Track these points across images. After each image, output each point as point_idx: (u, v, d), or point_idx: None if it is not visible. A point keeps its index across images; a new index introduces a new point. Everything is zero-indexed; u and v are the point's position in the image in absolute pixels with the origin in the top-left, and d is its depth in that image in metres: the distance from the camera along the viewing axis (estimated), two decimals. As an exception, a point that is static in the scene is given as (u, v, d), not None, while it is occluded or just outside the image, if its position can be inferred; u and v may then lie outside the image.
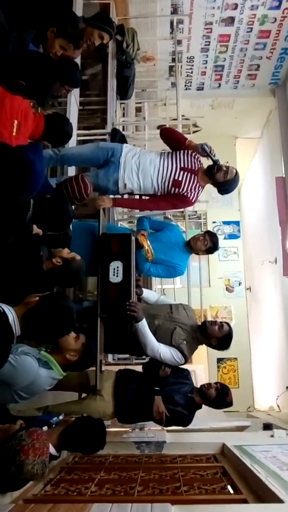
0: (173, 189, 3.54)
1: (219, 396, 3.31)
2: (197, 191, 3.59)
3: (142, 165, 3.55)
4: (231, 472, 3.02)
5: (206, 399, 3.33)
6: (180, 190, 3.53)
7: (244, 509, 2.24)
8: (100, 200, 3.56)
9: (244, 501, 2.42)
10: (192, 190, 3.55)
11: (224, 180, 3.52)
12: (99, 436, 2.35)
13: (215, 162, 3.49)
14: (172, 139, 3.63)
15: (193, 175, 3.52)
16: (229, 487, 2.75)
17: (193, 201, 3.68)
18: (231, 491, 2.69)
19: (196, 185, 3.55)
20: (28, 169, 1.89)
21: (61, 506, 2.15)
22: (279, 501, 2.14)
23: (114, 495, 2.60)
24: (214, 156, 3.47)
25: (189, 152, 3.57)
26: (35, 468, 1.85)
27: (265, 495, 2.36)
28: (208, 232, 3.83)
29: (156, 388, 3.25)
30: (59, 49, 2.82)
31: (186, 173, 3.51)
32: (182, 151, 3.57)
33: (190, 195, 3.57)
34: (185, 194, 3.55)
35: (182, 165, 3.52)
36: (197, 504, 2.33)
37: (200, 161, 3.60)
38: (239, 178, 3.62)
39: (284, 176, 7.96)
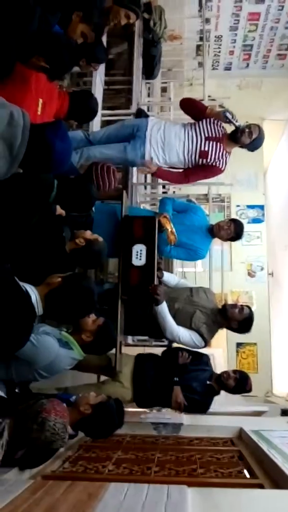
0: (200, 160, 3.58)
1: (238, 386, 3.32)
2: (225, 158, 3.62)
3: (167, 139, 3.58)
4: (248, 457, 3.02)
5: (225, 388, 3.34)
6: (208, 161, 3.57)
7: (260, 494, 2.24)
8: (148, 167, 3.59)
9: (260, 486, 2.42)
10: (220, 158, 3.58)
11: (250, 141, 3.51)
12: (117, 415, 2.38)
13: (238, 127, 3.48)
14: (193, 109, 3.67)
15: (218, 143, 3.54)
16: (245, 471, 2.76)
17: (222, 169, 3.70)
18: (247, 475, 2.70)
19: (223, 152, 3.57)
20: (48, 148, 1.88)
21: (79, 484, 2.18)
22: (296, 487, 2.14)
23: (131, 474, 2.64)
24: (236, 121, 3.48)
25: (212, 120, 3.59)
26: (56, 426, 1.90)
27: (281, 480, 2.36)
28: (233, 220, 3.78)
29: (176, 378, 3.26)
30: (80, 36, 2.75)
31: (211, 142, 3.53)
32: (204, 121, 3.58)
33: (219, 163, 3.60)
34: (214, 163, 3.57)
35: (206, 135, 3.54)
36: (213, 487, 2.34)
37: (223, 127, 3.61)
38: (263, 133, 3.62)
39: (311, 160, 7.79)
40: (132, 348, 5.05)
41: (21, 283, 2.03)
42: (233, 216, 10.58)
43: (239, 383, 3.31)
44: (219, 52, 7.98)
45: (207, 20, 7.11)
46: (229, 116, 3.48)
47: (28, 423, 1.92)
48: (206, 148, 3.55)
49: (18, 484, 2.07)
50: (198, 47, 7.65)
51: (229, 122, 3.51)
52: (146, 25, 5.54)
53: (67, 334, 2.57)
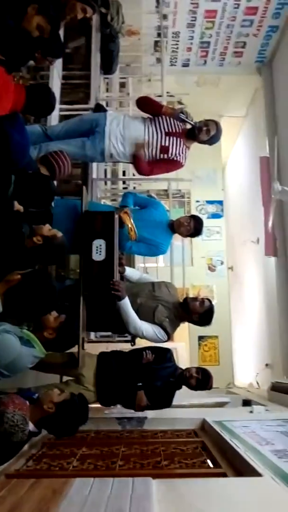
0: (161, 155, 3.60)
1: (200, 384, 3.37)
2: (184, 153, 3.68)
3: (127, 134, 3.59)
4: (211, 447, 3.08)
5: (186, 385, 3.39)
6: (169, 155, 3.60)
7: (223, 483, 2.29)
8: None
9: (223, 475, 2.47)
10: (180, 153, 3.63)
11: (208, 138, 3.56)
12: (81, 411, 2.36)
13: (194, 125, 3.53)
14: (149, 107, 3.70)
15: (178, 138, 3.59)
16: (208, 461, 2.81)
17: (183, 163, 3.74)
18: (211, 465, 2.75)
19: (182, 147, 3.63)
20: (6, 140, 1.84)
21: (43, 481, 2.17)
22: (258, 474, 2.19)
23: (96, 469, 2.64)
24: (191, 120, 3.53)
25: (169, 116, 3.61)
26: (15, 418, 1.88)
27: (244, 469, 2.42)
28: (193, 217, 3.80)
29: (139, 384, 3.28)
30: (35, 29, 2.70)
31: (171, 137, 3.57)
32: (163, 116, 3.60)
33: (179, 158, 3.65)
34: (174, 158, 3.59)
35: (166, 130, 3.58)
36: (178, 478, 2.37)
37: (181, 123, 3.64)
38: (221, 128, 3.67)
39: (268, 155, 7.95)
40: (95, 344, 5.03)
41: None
42: (193, 211, 10.71)
43: (200, 382, 3.36)
44: (177, 48, 8.00)
45: (165, 16, 7.13)
46: (183, 117, 3.53)
47: None
48: (167, 143, 3.58)
49: (-20, 484, 2.04)
50: (156, 43, 7.65)
51: (184, 121, 3.56)
52: (104, 20, 5.50)
53: (29, 332, 2.53)
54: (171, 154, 3.61)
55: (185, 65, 8.39)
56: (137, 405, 3.31)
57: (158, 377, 3.32)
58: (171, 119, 3.61)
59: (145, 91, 7.79)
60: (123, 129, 3.61)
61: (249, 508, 1.78)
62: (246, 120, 9.92)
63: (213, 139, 3.65)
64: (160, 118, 3.62)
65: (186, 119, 3.54)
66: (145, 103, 3.75)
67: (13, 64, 2.20)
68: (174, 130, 3.59)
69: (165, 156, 3.62)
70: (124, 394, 3.31)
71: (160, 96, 6.10)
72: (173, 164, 3.75)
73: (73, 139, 3.63)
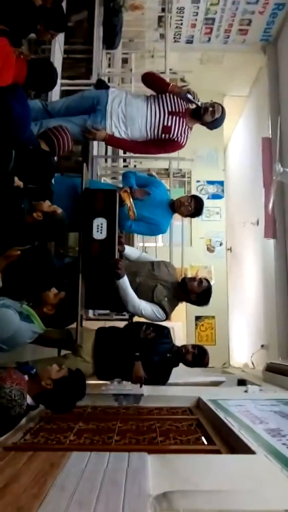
0: (163, 135, 3.54)
1: (196, 360, 3.40)
2: (186, 133, 3.62)
3: (129, 113, 3.51)
4: (206, 425, 3.12)
5: (183, 361, 3.42)
6: (171, 136, 3.55)
7: (217, 459, 2.33)
8: (94, 133, 3.51)
9: (217, 452, 2.52)
10: (182, 133, 3.57)
11: (212, 120, 3.52)
12: (78, 387, 2.39)
13: (200, 106, 3.47)
14: (155, 84, 3.60)
15: (181, 118, 3.52)
16: (203, 438, 2.86)
17: (183, 144, 3.69)
18: (205, 442, 2.80)
19: (185, 128, 3.56)
20: (7, 110, 1.82)
21: (40, 454, 2.21)
22: (251, 452, 2.23)
23: (92, 444, 2.68)
24: (198, 101, 3.46)
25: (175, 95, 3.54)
26: (12, 392, 1.89)
27: (237, 446, 2.46)
28: (194, 197, 3.78)
29: (136, 354, 3.31)
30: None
31: (174, 117, 3.50)
32: (168, 94, 3.53)
33: (180, 139, 3.60)
34: (176, 139, 3.55)
35: (170, 109, 3.50)
36: (173, 453, 2.41)
37: (186, 102, 3.58)
38: (225, 112, 3.62)
39: (270, 136, 7.89)
40: (93, 322, 5.07)
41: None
42: (193, 191, 10.66)
43: (196, 357, 3.40)
44: (181, 24, 7.86)
45: (169, -9, 7.00)
46: (191, 97, 3.44)
47: None
48: (169, 123, 3.52)
49: (-22, 456, 2.08)
50: (160, 18, 7.51)
51: (191, 102, 3.48)
52: (107, -7, 5.39)
53: (28, 307, 2.55)
54: (173, 135, 3.55)
55: (189, 41, 8.25)
56: (134, 376, 3.31)
57: (156, 352, 3.36)
58: (175, 98, 3.54)
59: (148, 67, 7.68)
60: (125, 107, 3.54)
61: (243, 484, 1.82)
62: (249, 100, 9.80)
63: (216, 123, 3.59)
64: (164, 96, 3.54)
65: (193, 100, 3.46)
66: (151, 80, 3.65)
67: (16, 35, 2.16)
68: (177, 110, 3.52)
69: (167, 136, 3.57)
70: (122, 365, 3.33)
71: (163, 72, 6.01)
72: (173, 145, 3.70)
73: (74, 117, 3.57)
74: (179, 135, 3.57)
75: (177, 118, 3.52)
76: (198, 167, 10.50)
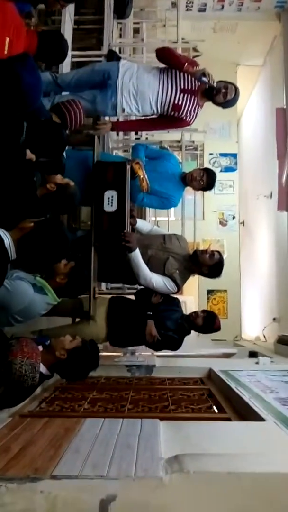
0: (172, 112, 3.49)
1: (206, 324, 3.42)
2: (196, 112, 3.55)
3: (140, 89, 3.44)
4: (217, 394, 3.19)
5: (194, 326, 3.44)
6: (180, 114, 3.49)
7: (227, 426, 2.39)
8: (102, 127, 3.49)
9: (228, 420, 2.58)
10: (192, 112, 3.51)
11: (224, 101, 3.46)
12: (92, 357, 2.43)
13: (213, 87, 3.39)
14: (170, 61, 3.46)
15: (193, 97, 3.44)
16: (214, 407, 2.92)
17: (191, 122, 3.64)
18: (216, 411, 2.86)
19: (195, 106, 3.50)
20: (17, 79, 1.81)
21: (55, 420, 2.28)
22: (261, 419, 2.28)
23: (106, 412, 2.76)
24: (213, 83, 3.37)
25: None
26: (23, 368, 1.91)
27: (248, 414, 2.52)
28: (206, 171, 3.75)
29: (149, 313, 3.35)
30: None
31: (186, 95, 3.43)
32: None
33: (189, 117, 3.54)
34: (184, 117, 3.50)
35: (182, 86, 3.42)
36: (184, 420, 2.48)
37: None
38: (239, 93, 3.55)
39: (284, 107, 7.73)
40: (105, 296, 5.12)
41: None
42: (206, 164, 10.54)
43: (207, 320, 3.42)
44: (194, -9, 7.67)
45: None
46: (205, 80, 3.31)
47: None
48: (180, 102, 3.43)
49: (-4, 422, 2.15)
50: (172, -14, 7.34)
51: (205, 84, 3.38)
52: None
53: (42, 279, 2.59)
54: (182, 113, 3.48)
55: (202, 10, 8.04)
56: (147, 334, 3.31)
57: (167, 317, 3.39)
58: (189, 76, 3.41)
59: (159, 37, 7.54)
60: (137, 82, 3.45)
61: (252, 448, 1.88)
62: (264, 70, 9.58)
63: (228, 103, 3.51)
64: (177, 73, 3.43)
65: (208, 82, 3.35)
66: (166, 57, 3.48)
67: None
68: (190, 87, 3.42)
69: (176, 114, 3.49)
70: (135, 327, 3.35)
71: (175, 42, 5.89)
72: (180, 122, 3.63)
73: (84, 93, 3.50)
74: (188, 113, 3.50)
75: (189, 96, 3.43)
76: (211, 139, 10.35)
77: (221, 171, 10.73)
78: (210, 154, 11.00)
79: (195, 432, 2.14)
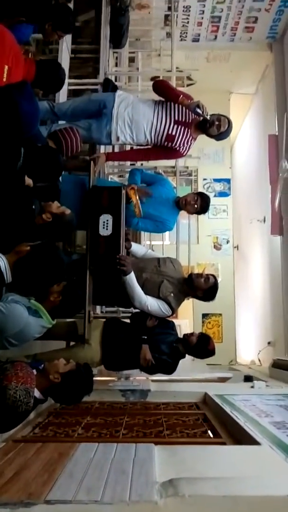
0: (166, 143, 3.54)
1: (200, 343, 3.38)
2: (189, 144, 3.60)
3: (135, 118, 3.50)
4: (212, 419, 3.17)
5: (188, 346, 3.41)
6: (173, 145, 3.54)
7: (222, 450, 2.38)
8: (96, 159, 3.56)
9: (223, 444, 2.56)
10: (185, 144, 3.56)
11: (217, 133, 3.53)
12: (86, 380, 2.42)
13: (207, 119, 3.46)
14: (166, 94, 3.55)
15: (186, 128, 3.50)
16: (209, 431, 2.90)
17: (184, 154, 3.69)
18: (211, 435, 2.84)
19: (189, 138, 3.55)
20: (15, 107, 1.86)
21: (49, 445, 2.26)
22: (256, 443, 2.27)
23: (100, 437, 2.73)
24: (207, 115, 3.45)
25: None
26: (17, 393, 1.88)
27: (243, 438, 2.50)
28: (200, 195, 3.80)
29: (144, 336, 3.34)
30: None
31: (179, 126, 3.49)
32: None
33: (182, 148, 3.59)
34: (177, 148, 3.55)
35: (176, 118, 3.49)
36: (179, 445, 2.46)
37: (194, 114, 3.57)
38: (232, 126, 3.60)
39: (277, 134, 7.89)
40: (100, 320, 5.11)
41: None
42: (200, 189, 10.68)
43: (201, 340, 3.38)
44: (187, 23, 7.89)
45: (176, -10, 7.02)
46: (199, 112, 3.39)
47: None
48: (174, 132, 3.50)
49: (-11, 447, 2.13)
50: (166, 17, 7.54)
51: (199, 115, 3.45)
52: (114, -7, 5.43)
53: (36, 302, 2.60)
54: (176, 144, 3.53)
55: (195, 40, 8.28)
56: (141, 359, 3.29)
57: (162, 341, 3.37)
58: (183, 108, 3.49)
59: (154, 66, 7.73)
60: (132, 112, 3.52)
61: (248, 473, 1.86)
62: (256, 97, 9.81)
63: (221, 135, 3.58)
64: (172, 103, 3.51)
65: (202, 114, 3.42)
66: (161, 89, 3.57)
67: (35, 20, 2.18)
68: (184, 120, 3.50)
69: (169, 144, 3.55)
70: (129, 351, 3.34)
71: (169, 71, 6.05)
72: (173, 153, 3.69)
73: (80, 121, 3.58)
74: (181, 145, 3.56)
75: (182, 127, 3.50)
76: (205, 165, 10.52)
77: (215, 196, 10.88)
78: (204, 179, 11.16)
79: (190, 456, 2.12)
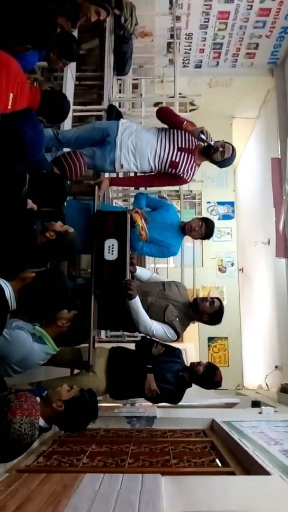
0: (170, 169, 3.54)
1: (207, 373, 3.32)
2: (193, 170, 3.59)
3: (138, 146, 3.51)
4: (220, 446, 3.10)
5: (194, 375, 3.35)
6: (177, 171, 3.54)
7: (232, 480, 2.31)
8: (100, 185, 3.57)
9: (232, 474, 2.49)
10: (189, 170, 3.56)
11: (221, 160, 3.53)
12: (91, 407, 2.38)
13: (211, 145, 3.47)
14: (170, 121, 3.57)
15: (190, 155, 3.51)
16: (217, 460, 2.83)
17: (188, 180, 3.69)
18: (220, 464, 2.77)
19: (192, 165, 3.55)
20: (19, 134, 1.87)
21: (54, 476, 2.21)
22: (266, 473, 2.21)
23: (106, 466, 2.67)
24: (211, 141, 3.45)
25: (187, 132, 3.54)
26: (22, 427, 1.85)
27: (252, 468, 2.44)
28: (205, 221, 3.78)
29: (149, 366, 3.29)
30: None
31: (183, 153, 3.49)
32: (179, 130, 3.54)
33: (186, 175, 3.58)
34: (181, 175, 3.55)
35: (179, 145, 3.49)
36: (186, 475, 2.39)
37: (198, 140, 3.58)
38: (235, 153, 3.61)
39: (279, 157, 7.94)
40: (105, 344, 5.06)
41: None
42: (204, 212, 10.72)
43: (207, 371, 3.33)
44: (190, 49, 8.03)
45: (178, 18, 7.16)
46: (204, 138, 3.41)
47: None
48: (177, 159, 3.50)
49: (-8, 478, 2.08)
50: (169, 45, 7.69)
51: (203, 141, 3.47)
52: (117, 22, 5.55)
53: (41, 328, 2.57)
54: (179, 171, 3.53)
55: (198, 66, 8.42)
56: (146, 389, 3.24)
57: (168, 370, 3.32)
58: (187, 134, 3.51)
59: (157, 92, 7.84)
60: (135, 139, 3.54)
61: (258, 505, 1.80)
62: (258, 122, 9.91)
63: (225, 162, 3.58)
64: (175, 131, 3.53)
65: (206, 140, 3.44)
66: (165, 116, 3.59)
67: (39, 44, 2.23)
68: (187, 146, 3.50)
69: (173, 171, 3.55)
70: (134, 380, 3.28)
71: (172, 97, 6.12)
72: (177, 180, 3.68)
73: (84, 149, 3.60)
74: (185, 171, 3.56)
75: (186, 154, 3.50)
76: (209, 188, 10.58)
77: (219, 219, 10.90)
78: (208, 202, 11.20)
79: (198, 487, 2.07)
